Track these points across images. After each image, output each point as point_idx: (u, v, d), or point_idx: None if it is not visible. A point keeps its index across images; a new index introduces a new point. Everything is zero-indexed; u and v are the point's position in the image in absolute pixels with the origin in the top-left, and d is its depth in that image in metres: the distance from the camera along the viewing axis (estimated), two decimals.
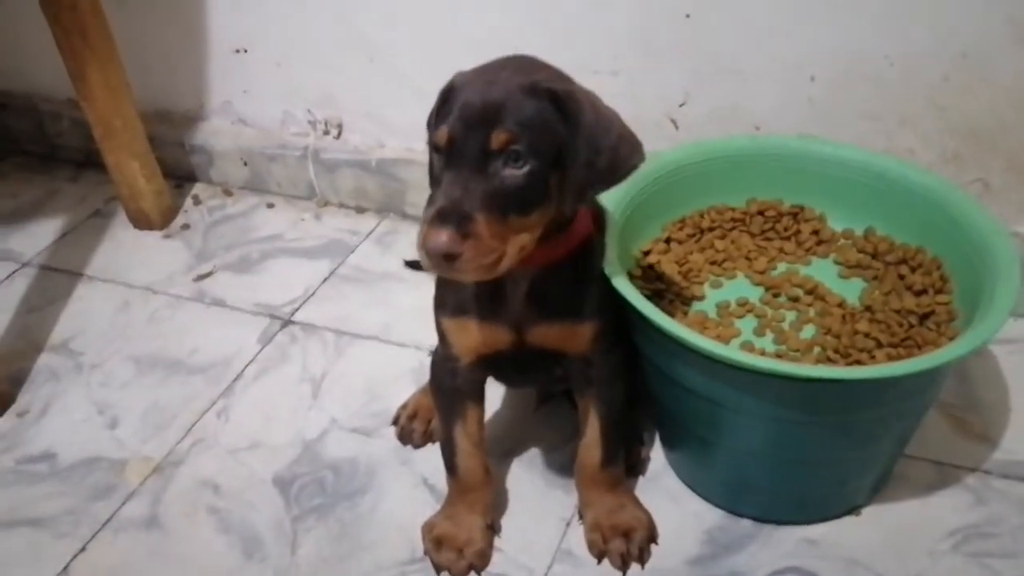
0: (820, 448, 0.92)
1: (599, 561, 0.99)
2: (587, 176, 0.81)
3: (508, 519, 1.05)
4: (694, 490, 1.05)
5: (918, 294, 0.99)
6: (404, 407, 1.15)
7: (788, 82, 1.21)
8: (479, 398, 0.99)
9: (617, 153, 0.83)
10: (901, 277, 1.02)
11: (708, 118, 1.28)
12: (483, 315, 0.91)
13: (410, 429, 1.13)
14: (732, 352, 0.84)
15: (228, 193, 1.65)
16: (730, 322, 0.99)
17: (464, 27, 1.34)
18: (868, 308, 0.98)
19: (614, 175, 0.84)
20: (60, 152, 1.76)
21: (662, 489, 1.07)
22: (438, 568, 0.99)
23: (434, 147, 0.80)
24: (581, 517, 1.02)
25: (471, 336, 0.92)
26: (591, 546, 1.00)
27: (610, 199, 1.01)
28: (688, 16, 1.21)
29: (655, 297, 1.01)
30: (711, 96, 1.26)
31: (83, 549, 1.05)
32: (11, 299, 1.43)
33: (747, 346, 0.95)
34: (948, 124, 1.17)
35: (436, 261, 0.76)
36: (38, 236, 1.57)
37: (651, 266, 1.04)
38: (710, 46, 1.23)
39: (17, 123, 1.76)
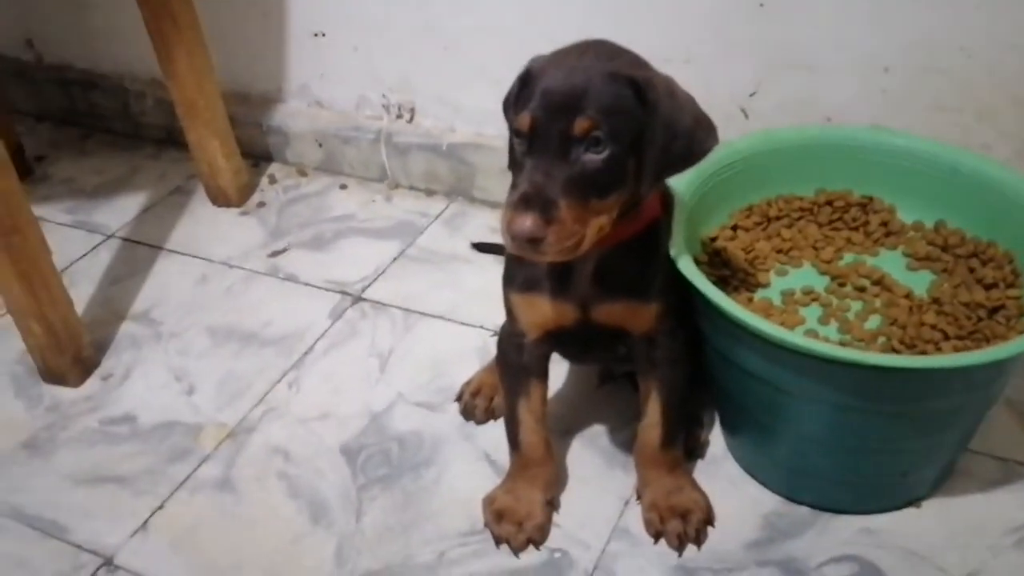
0: (882, 438, 0.92)
1: (656, 541, 1.01)
2: (664, 160, 0.83)
3: (567, 496, 1.07)
4: (753, 476, 1.06)
5: (988, 288, 0.98)
6: (468, 384, 1.18)
7: (861, 73, 1.21)
8: (543, 375, 1.02)
9: (694, 137, 0.85)
10: (971, 270, 1.01)
11: (779, 109, 1.28)
12: (551, 291, 0.93)
13: (473, 405, 1.16)
14: (795, 337, 0.85)
15: (303, 173, 1.70)
16: (795, 310, 0.99)
17: (537, 15, 1.36)
18: (936, 300, 0.98)
19: (690, 158, 0.86)
20: (143, 130, 1.83)
21: (721, 473, 1.08)
22: (498, 540, 1.01)
23: (515, 132, 0.82)
24: (639, 497, 1.04)
25: (538, 311, 0.95)
26: (648, 525, 1.01)
27: (679, 184, 1.02)
28: (762, 5, 1.21)
29: (720, 283, 1.02)
30: (782, 87, 1.26)
31: (161, 507, 1.10)
32: (96, 270, 1.50)
33: (811, 334, 0.95)
34: None
35: (520, 244, 0.79)
36: (121, 210, 1.64)
37: (717, 252, 1.05)
38: (783, 36, 1.23)
39: (104, 101, 1.83)
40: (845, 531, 1.00)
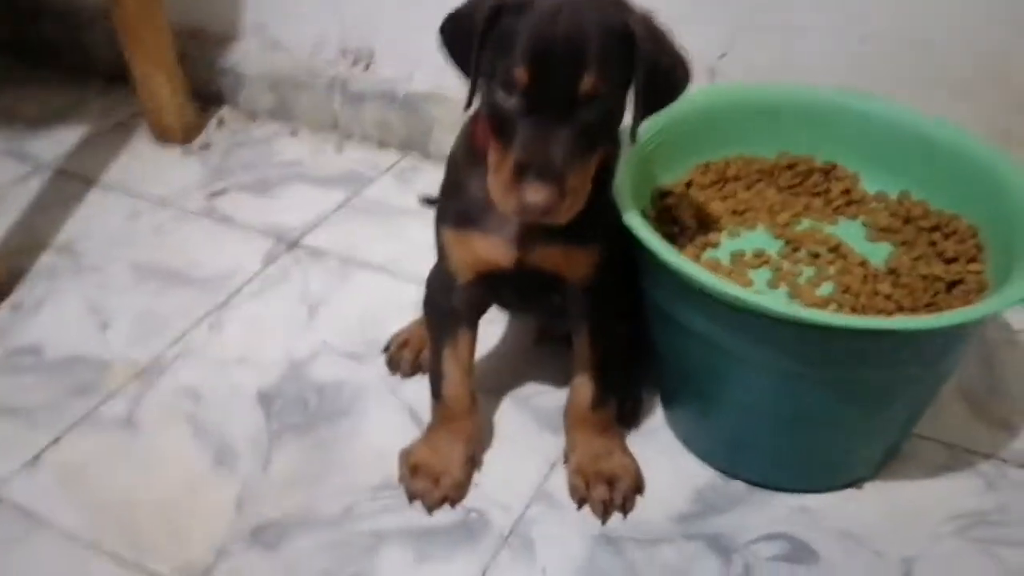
0: (824, 408, 0.86)
1: (579, 507, 0.94)
2: (648, 102, 0.80)
3: (492, 455, 1.01)
4: (690, 448, 1.00)
5: (949, 261, 0.93)
6: (397, 335, 1.11)
7: (835, 39, 1.15)
8: (473, 323, 0.95)
9: (675, 75, 0.81)
10: (932, 244, 0.95)
11: (748, 72, 1.22)
12: (486, 229, 0.86)
13: (399, 357, 1.09)
14: (738, 290, 0.79)
15: (252, 119, 1.62)
16: (743, 271, 0.93)
17: None
18: (892, 271, 0.92)
19: (670, 96, 0.82)
20: (93, 64, 1.74)
21: (657, 443, 1.01)
22: (411, 496, 0.95)
23: (504, 84, 0.75)
24: (566, 460, 0.97)
25: (471, 250, 0.88)
26: (573, 491, 0.95)
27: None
28: None
29: (668, 240, 0.95)
30: (754, 49, 1.21)
31: (55, 441, 1.02)
32: (23, 199, 1.42)
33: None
34: (1005, 99, 1.10)
35: (531, 213, 0.74)
36: (59, 142, 1.56)
37: (668, 208, 0.99)
38: None
39: (53, 32, 1.75)
40: (780, 509, 0.94)
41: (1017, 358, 1.10)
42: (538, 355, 1.12)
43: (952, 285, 0.90)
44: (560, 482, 0.97)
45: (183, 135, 1.53)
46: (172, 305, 1.21)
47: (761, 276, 0.93)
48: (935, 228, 0.97)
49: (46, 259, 1.29)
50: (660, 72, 0.79)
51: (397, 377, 1.09)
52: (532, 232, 0.85)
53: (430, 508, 0.94)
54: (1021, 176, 0.91)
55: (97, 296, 1.23)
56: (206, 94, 1.64)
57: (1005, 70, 1.09)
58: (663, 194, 1.01)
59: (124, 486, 0.97)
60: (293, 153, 1.53)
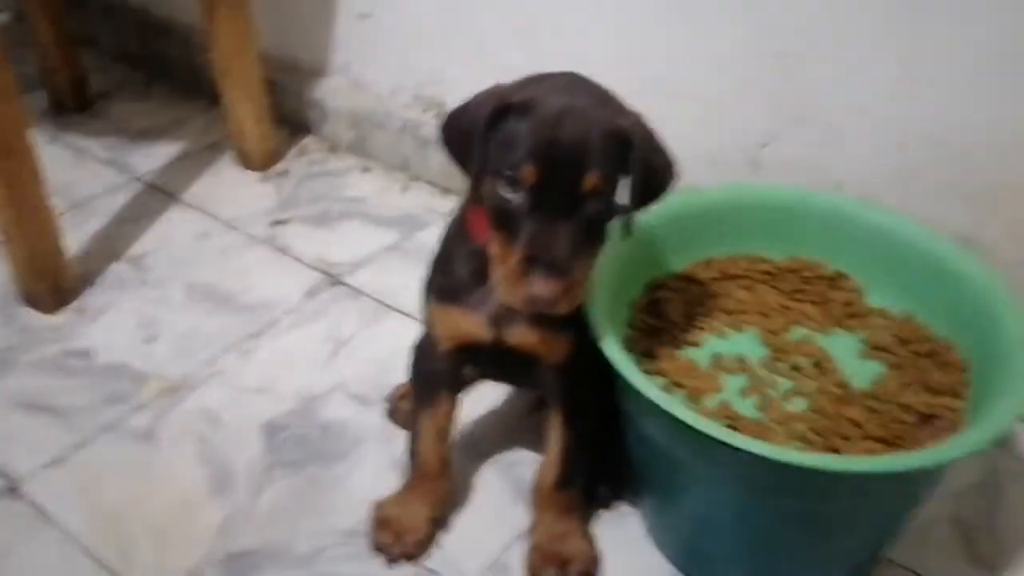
0: (774, 529, 0.86)
1: None
2: (639, 198, 0.83)
3: (463, 519, 1.04)
4: (654, 541, 1.01)
5: (934, 393, 0.90)
6: (400, 386, 1.16)
7: (875, 143, 1.13)
8: (454, 389, 0.99)
9: (665, 173, 0.86)
10: (923, 371, 0.93)
11: (789, 165, 1.21)
12: (467, 305, 0.91)
13: (396, 408, 1.14)
14: (671, 406, 0.79)
15: (333, 151, 1.71)
16: (717, 375, 0.93)
17: (568, 36, 1.33)
18: (873, 395, 0.91)
19: (659, 194, 0.86)
20: (203, 84, 1.87)
21: (624, 532, 1.02)
22: (375, 547, 0.99)
23: (510, 180, 0.79)
24: (529, 536, 1.00)
25: (452, 323, 0.92)
26: (527, 568, 0.97)
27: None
28: (779, 54, 1.15)
29: (651, 333, 0.97)
30: (794, 142, 1.20)
31: (81, 444, 1.12)
32: (111, 208, 1.55)
33: (723, 405, 0.90)
34: None
35: (537, 305, 0.79)
36: (155, 156, 1.69)
37: (658, 300, 1.00)
38: (798, 90, 1.16)
39: (172, 49, 1.89)
40: None
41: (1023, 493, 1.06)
42: (530, 424, 1.15)
43: (927, 419, 0.88)
44: (519, 556, 0.99)
45: (263, 161, 1.63)
46: (215, 327, 1.31)
47: (736, 383, 0.93)
48: (929, 355, 0.94)
49: (116, 268, 1.41)
50: (652, 171, 0.83)
51: (393, 426, 1.14)
52: (510, 312, 0.88)
53: (390, 561, 0.98)
54: (1016, 313, 0.88)
55: (152, 310, 1.34)
56: (295, 122, 1.75)
57: None
58: (658, 285, 1.02)
59: (128, 497, 1.06)
60: (361, 190, 1.61)
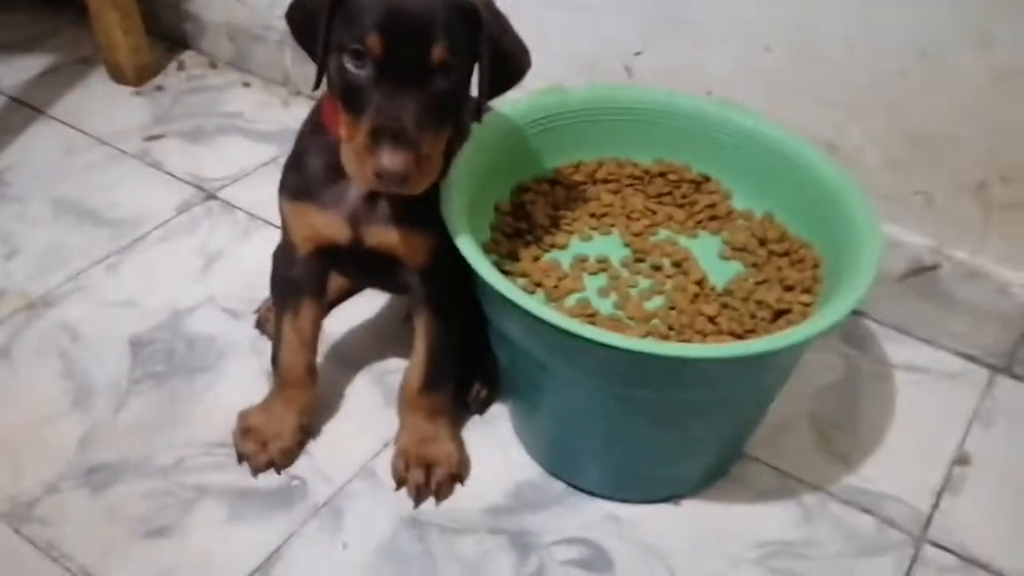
0: (628, 422, 0.87)
1: (397, 488, 0.97)
2: (493, 81, 0.82)
3: (331, 426, 1.03)
4: (521, 442, 1.02)
5: (787, 289, 0.92)
6: (269, 297, 1.14)
7: (744, 49, 1.13)
8: (317, 294, 0.97)
9: (518, 57, 0.85)
10: (779, 269, 0.94)
11: (662, 72, 1.20)
12: (322, 203, 0.88)
13: (266, 319, 1.12)
14: (522, 299, 0.79)
15: (213, 66, 1.65)
16: (579, 276, 0.93)
17: None
18: (729, 292, 0.92)
19: (512, 81, 0.85)
20: None
21: (493, 434, 1.03)
22: (240, 456, 0.98)
23: (355, 52, 0.76)
24: (396, 441, 1.00)
25: (308, 223, 0.90)
26: (393, 471, 0.97)
27: (499, 125, 0.97)
28: None
29: (515, 235, 0.96)
30: (668, 50, 1.19)
31: None
32: None
33: (582, 303, 0.90)
34: (898, 126, 1.07)
35: (388, 181, 0.76)
36: (22, 69, 1.60)
37: (523, 204, 0.99)
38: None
39: None
40: (591, 515, 0.95)
41: (880, 392, 1.09)
42: (406, 333, 1.14)
43: (779, 314, 0.89)
44: (387, 462, 0.99)
45: (136, 76, 1.56)
46: (80, 242, 1.26)
47: (596, 282, 0.93)
48: (785, 254, 0.96)
49: None
50: (503, 53, 0.82)
51: (264, 339, 1.12)
52: (367, 211, 0.87)
53: (255, 470, 0.97)
54: (866, 213, 0.89)
55: (12, 225, 1.28)
56: (173, 36, 1.68)
57: (895, 98, 1.06)
58: (524, 188, 1.01)
59: None
60: (239, 104, 1.56)
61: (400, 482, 0.97)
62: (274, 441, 0.98)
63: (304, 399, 0.99)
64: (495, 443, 1.02)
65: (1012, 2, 0.95)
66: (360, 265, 0.94)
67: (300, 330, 0.97)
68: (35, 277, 1.20)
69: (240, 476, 0.97)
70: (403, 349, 1.10)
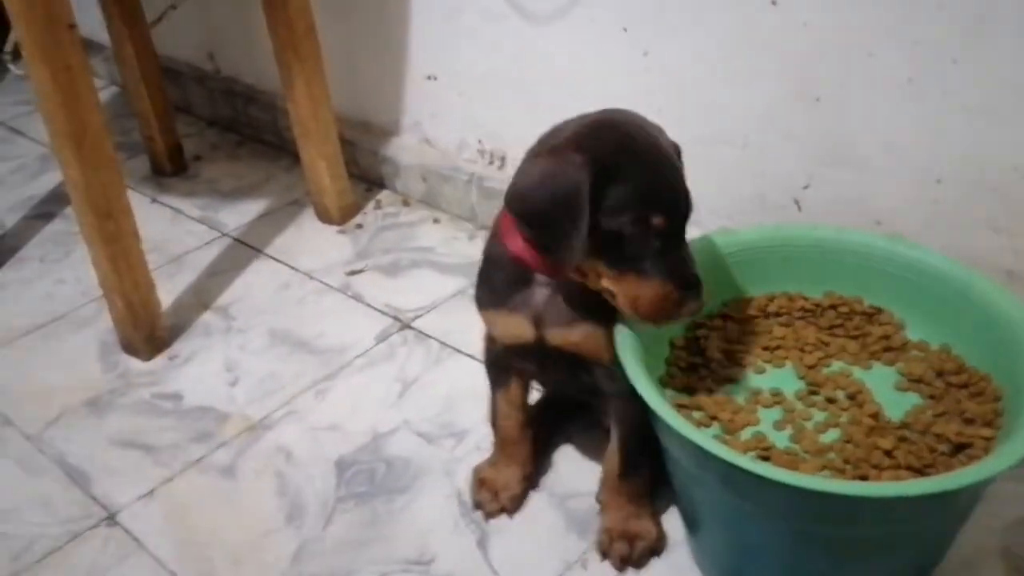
0: (803, 557, 0.89)
1: (602, 560, 1.05)
2: None
3: (516, 546, 1.10)
4: (701, 571, 1.04)
5: (968, 423, 0.92)
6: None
7: (913, 180, 1.16)
8: (520, 376, 1.10)
9: None
10: (958, 402, 0.95)
11: (830, 204, 1.25)
12: (509, 308, 1.00)
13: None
14: (694, 434, 0.84)
15: (406, 203, 1.81)
16: (753, 409, 0.97)
17: (613, 89, 1.40)
18: (906, 425, 0.93)
19: None
20: (286, 144, 2.01)
21: (670, 559, 1.06)
22: (476, 505, 1.13)
23: (643, 229, 0.87)
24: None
25: (499, 325, 1.03)
26: (599, 545, 1.06)
27: None
28: (818, 100, 1.19)
29: (689, 370, 1.02)
30: (834, 183, 1.23)
31: (170, 479, 1.22)
32: (203, 261, 1.67)
33: (758, 437, 0.93)
34: None
35: (682, 317, 0.92)
36: (243, 213, 1.81)
37: (697, 339, 1.05)
38: (837, 132, 1.20)
39: (259, 114, 2.03)
40: None
41: None
42: (585, 457, 1.20)
43: (960, 448, 0.90)
44: None
45: (341, 215, 1.74)
46: (292, 369, 1.40)
47: (771, 416, 0.97)
48: (964, 386, 0.96)
49: (205, 318, 1.53)
50: None
51: (453, 461, 1.21)
52: (550, 312, 0.98)
53: (488, 516, 1.12)
54: None
55: (236, 355, 1.44)
56: (371, 178, 1.86)
57: None
58: (698, 324, 1.07)
59: (212, 527, 1.15)
60: (430, 239, 1.70)
61: (604, 554, 1.05)
62: (504, 490, 1.11)
63: (524, 454, 1.12)
64: (673, 569, 1.05)
65: None
66: (545, 365, 1.05)
67: (511, 400, 1.10)
68: (254, 402, 1.35)
69: None
70: (585, 474, 1.17)
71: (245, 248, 1.71)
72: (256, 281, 1.62)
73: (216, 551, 1.12)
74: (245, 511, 1.17)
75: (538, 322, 0.99)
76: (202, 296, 1.58)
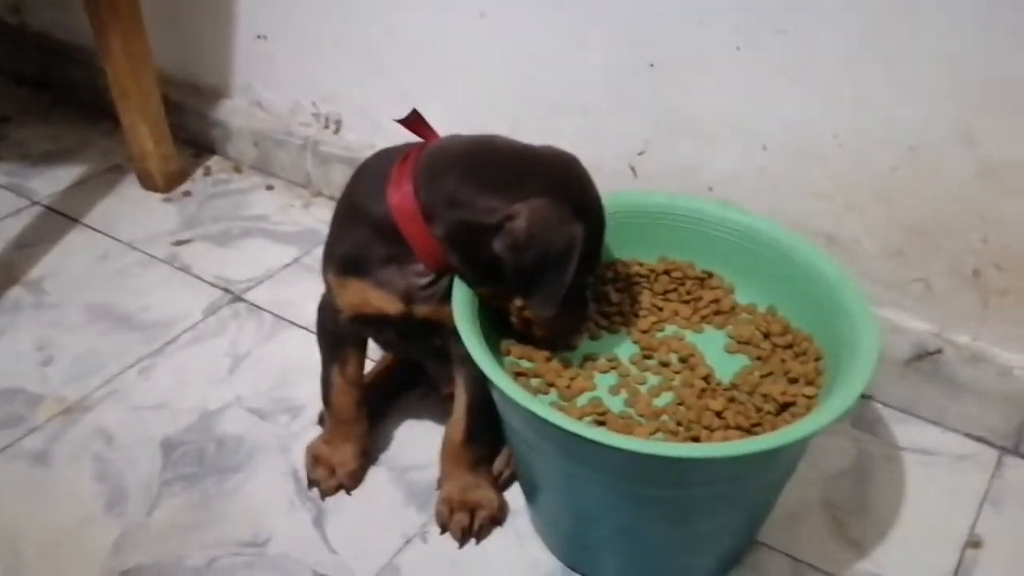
0: (640, 519, 0.90)
1: (441, 532, 1.04)
2: None
3: (355, 521, 1.07)
4: (541, 536, 1.04)
5: (792, 382, 0.96)
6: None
7: (742, 148, 1.19)
8: (360, 344, 1.06)
9: None
10: (783, 362, 0.98)
11: (665, 171, 1.26)
12: (377, 282, 0.96)
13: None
14: (528, 401, 0.83)
15: (238, 170, 1.73)
16: (590, 375, 0.97)
17: (455, 50, 1.37)
18: (735, 386, 0.96)
19: None
20: (106, 106, 1.87)
21: (511, 528, 1.06)
22: (311, 483, 1.09)
23: (586, 273, 0.95)
24: (438, 488, 1.07)
25: (357, 296, 0.98)
26: (438, 516, 1.04)
27: None
28: (652, 66, 1.20)
29: (527, 337, 1.01)
30: (669, 150, 1.25)
31: None
32: (10, 232, 1.54)
33: (594, 403, 0.94)
34: (894, 217, 1.12)
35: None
36: (57, 179, 1.68)
37: None
38: (671, 100, 1.21)
39: (77, 74, 1.88)
40: None
41: (891, 476, 1.12)
42: (425, 430, 1.18)
43: (784, 407, 0.93)
44: (411, 558, 1.02)
45: (166, 182, 1.64)
46: (113, 346, 1.31)
47: (607, 381, 0.97)
48: (788, 346, 1.00)
49: (14, 293, 1.41)
50: None
51: (290, 437, 1.16)
52: (425, 291, 0.96)
53: (324, 494, 1.08)
54: (863, 305, 0.93)
55: (49, 332, 1.34)
56: (200, 143, 1.76)
57: (888, 191, 1.11)
58: None
59: (20, 519, 1.06)
60: (263, 207, 1.62)
61: (444, 526, 1.03)
62: (341, 466, 1.08)
63: (358, 431, 1.09)
64: (515, 537, 1.05)
65: (990, 102, 1.00)
66: (400, 332, 1.01)
67: (347, 375, 1.06)
68: (70, 382, 1.25)
69: (269, 574, 1.01)
70: (423, 446, 1.15)
71: (59, 217, 1.59)
72: (72, 253, 1.51)
73: (26, 544, 1.03)
74: (60, 500, 1.09)
75: (408, 298, 0.96)
76: (10, 270, 1.46)
